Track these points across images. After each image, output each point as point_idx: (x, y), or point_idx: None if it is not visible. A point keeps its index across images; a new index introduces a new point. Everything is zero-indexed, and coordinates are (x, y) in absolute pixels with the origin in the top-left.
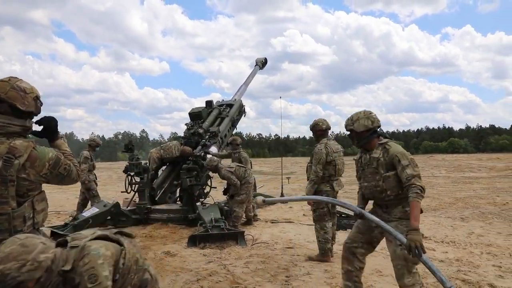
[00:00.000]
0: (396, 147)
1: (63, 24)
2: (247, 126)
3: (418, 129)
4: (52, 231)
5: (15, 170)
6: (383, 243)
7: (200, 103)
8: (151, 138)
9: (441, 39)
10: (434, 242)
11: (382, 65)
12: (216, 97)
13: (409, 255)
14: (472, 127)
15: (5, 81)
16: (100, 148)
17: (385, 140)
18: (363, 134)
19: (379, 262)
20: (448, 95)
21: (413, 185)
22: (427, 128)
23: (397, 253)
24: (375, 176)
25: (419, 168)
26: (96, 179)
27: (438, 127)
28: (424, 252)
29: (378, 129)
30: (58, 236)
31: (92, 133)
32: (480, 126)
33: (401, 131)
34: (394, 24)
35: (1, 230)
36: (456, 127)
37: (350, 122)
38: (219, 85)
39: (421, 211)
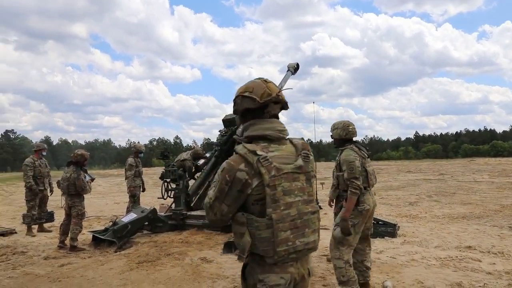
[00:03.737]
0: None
1: (99, 36)
2: None
3: (456, 132)
4: (93, 236)
5: (312, 166)
6: (423, 252)
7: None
8: (184, 144)
9: (478, 37)
10: (480, 252)
11: (415, 67)
12: None
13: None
14: None
15: (268, 82)
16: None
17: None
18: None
19: (419, 272)
20: (488, 96)
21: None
22: (467, 131)
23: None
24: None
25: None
26: (143, 184)
27: (479, 130)
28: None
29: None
30: (99, 241)
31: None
32: None
33: (439, 134)
34: (426, 24)
35: (314, 230)
36: (499, 129)
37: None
38: None
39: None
